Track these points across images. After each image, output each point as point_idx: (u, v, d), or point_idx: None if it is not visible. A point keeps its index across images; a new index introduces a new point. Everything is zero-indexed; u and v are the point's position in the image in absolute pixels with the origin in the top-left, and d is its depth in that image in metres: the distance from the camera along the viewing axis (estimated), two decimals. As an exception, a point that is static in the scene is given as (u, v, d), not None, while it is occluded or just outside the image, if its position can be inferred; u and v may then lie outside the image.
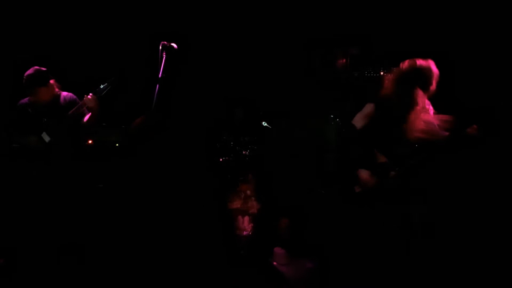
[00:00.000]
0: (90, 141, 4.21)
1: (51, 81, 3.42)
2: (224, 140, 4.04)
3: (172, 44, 2.97)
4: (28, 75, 3.31)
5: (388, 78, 2.77)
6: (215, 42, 4.31)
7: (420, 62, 2.71)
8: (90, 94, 3.31)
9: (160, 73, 2.90)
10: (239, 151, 3.97)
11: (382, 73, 3.36)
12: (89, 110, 3.35)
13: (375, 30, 3.98)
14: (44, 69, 3.35)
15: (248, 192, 3.81)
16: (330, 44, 4.12)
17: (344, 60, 3.74)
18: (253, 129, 4.11)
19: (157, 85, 2.87)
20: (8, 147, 3.37)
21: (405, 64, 2.74)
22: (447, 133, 2.65)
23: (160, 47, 2.94)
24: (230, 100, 4.29)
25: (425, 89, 2.71)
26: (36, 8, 4.24)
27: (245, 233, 3.72)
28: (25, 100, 3.45)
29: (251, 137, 4.02)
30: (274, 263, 3.32)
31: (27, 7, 4.23)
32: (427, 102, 2.73)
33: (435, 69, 2.70)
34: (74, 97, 3.50)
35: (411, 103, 2.69)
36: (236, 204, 3.82)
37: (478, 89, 3.22)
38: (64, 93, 3.50)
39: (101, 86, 3.33)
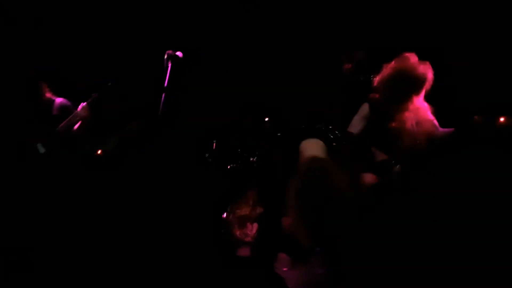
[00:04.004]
0: (99, 152, 4.24)
1: (42, 85, 3.36)
2: (231, 147, 4.04)
3: (177, 53, 3.00)
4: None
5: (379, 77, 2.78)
6: (222, 47, 4.33)
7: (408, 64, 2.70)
8: (82, 104, 3.28)
9: (166, 82, 2.93)
10: (247, 157, 3.97)
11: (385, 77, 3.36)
12: (80, 119, 3.33)
13: (383, 34, 3.98)
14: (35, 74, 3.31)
15: (256, 198, 3.80)
16: (337, 49, 4.12)
17: (350, 65, 3.73)
18: (259, 134, 4.11)
19: (163, 95, 2.91)
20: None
21: (396, 64, 2.74)
22: (446, 129, 2.64)
23: (166, 56, 2.97)
24: (238, 105, 4.30)
25: (416, 91, 2.70)
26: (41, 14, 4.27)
27: (253, 239, 3.70)
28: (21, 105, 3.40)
29: (257, 142, 4.01)
30: (276, 268, 3.31)
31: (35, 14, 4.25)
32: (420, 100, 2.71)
33: (425, 72, 2.69)
34: (69, 103, 3.44)
35: (401, 103, 2.69)
36: (245, 211, 3.81)
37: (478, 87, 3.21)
38: (59, 100, 3.45)
39: (94, 95, 3.30)
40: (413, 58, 2.84)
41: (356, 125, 2.96)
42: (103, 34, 4.40)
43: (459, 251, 2.67)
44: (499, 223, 2.77)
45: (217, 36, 4.33)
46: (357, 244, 2.92)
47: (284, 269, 3.30)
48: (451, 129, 2.73)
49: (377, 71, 3.45)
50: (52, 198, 3.35)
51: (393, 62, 2.88)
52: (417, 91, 2.77)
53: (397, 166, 2.69)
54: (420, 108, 2.77)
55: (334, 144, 3.13)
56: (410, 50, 3.02)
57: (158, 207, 3.65)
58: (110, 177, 3.89)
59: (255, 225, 3.84)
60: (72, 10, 4.31)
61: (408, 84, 2.77)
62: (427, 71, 2.80)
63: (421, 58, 2.92)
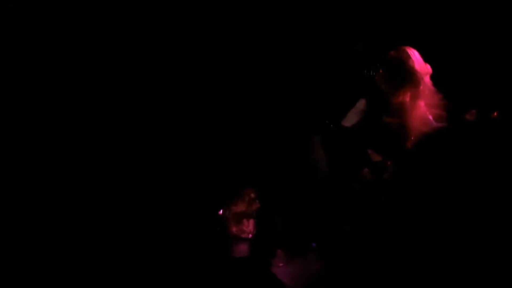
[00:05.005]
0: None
1: None
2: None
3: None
4: None
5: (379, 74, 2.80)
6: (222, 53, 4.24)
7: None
8: None
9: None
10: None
11: (381, 71, 3.37)
12: None
13: (380, 30, 3.97)
14: None
15: (252, 195, 3.80)
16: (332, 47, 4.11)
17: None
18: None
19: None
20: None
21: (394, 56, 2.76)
22: (442, 124, 2.66)
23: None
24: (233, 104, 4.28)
25: (412, 84, 2.72)
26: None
27: (250, 236, 3.71)
28: None
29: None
30: (272, 263, 3.32)
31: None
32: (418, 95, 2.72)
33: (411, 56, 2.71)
34: None
35: (397, 97, 2.71)
36: (241, 207, 3.82)
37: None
38: None
39: None
40: (410, 51, 2.86)
41: (351, 118, 2.99)
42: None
43: (452, 249, 2.68)
44: (495, 222, 2.77)
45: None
46: (352, 240, 2.93)
47: (280, 264, 3.32)
48: (444, 125, 2.74)
49: (374, 66, 3.46)
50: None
51: (391, 54, 2.90)
52: (414, 85, 2.78)
53: (390, 163, 2.71)
54: (417, 104, 2.79)
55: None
56: (408, 45, 3.02)
57: (155, 205, 3.66)
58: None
59: (252, 221, 3.85)
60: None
61: (404, 76, 2.78)
62: (425, 66, 2.82)
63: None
